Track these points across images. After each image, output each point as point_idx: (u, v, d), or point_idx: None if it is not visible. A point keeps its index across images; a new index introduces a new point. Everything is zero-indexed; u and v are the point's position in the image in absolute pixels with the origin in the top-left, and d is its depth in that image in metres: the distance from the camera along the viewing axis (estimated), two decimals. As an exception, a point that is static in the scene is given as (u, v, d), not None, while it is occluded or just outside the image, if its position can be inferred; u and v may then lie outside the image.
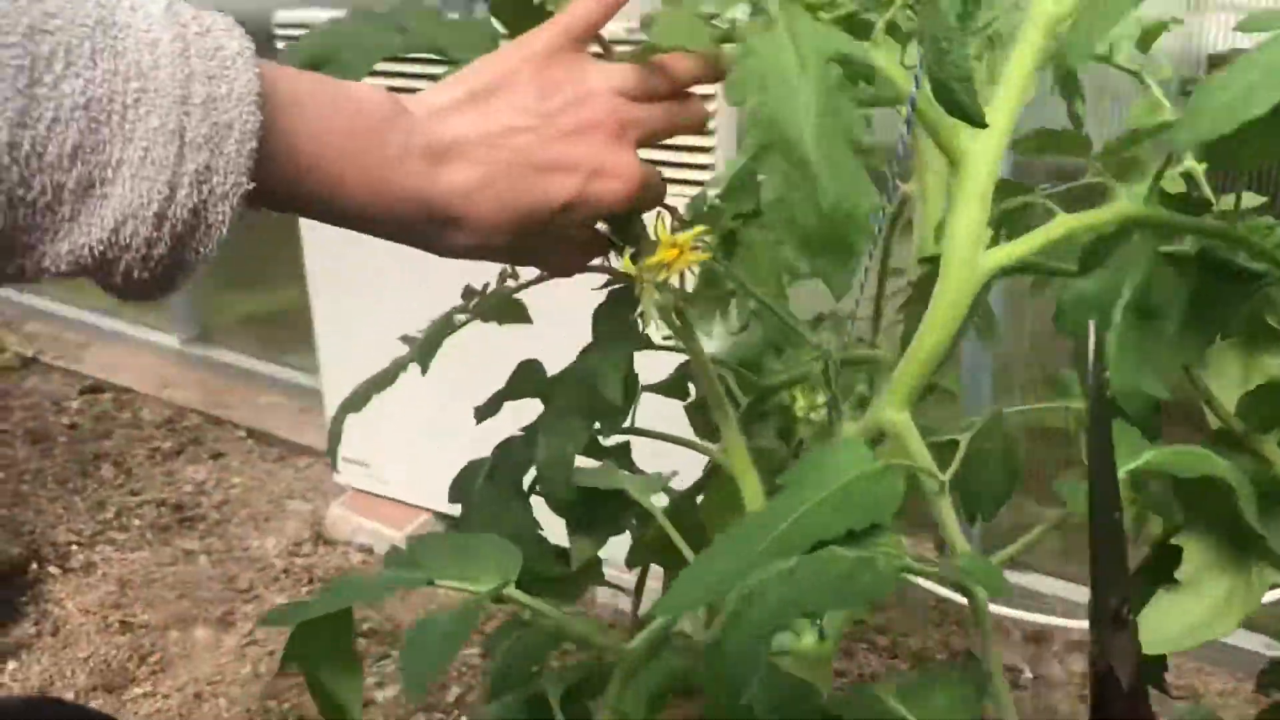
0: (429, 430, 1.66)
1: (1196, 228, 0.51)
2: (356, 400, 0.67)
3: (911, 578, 0.46)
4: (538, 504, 0.72)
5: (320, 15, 1.55)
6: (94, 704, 1.47)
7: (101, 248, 0.37)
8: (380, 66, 0.55)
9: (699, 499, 0.82)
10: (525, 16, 0.54)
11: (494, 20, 0.58)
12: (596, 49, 0.52)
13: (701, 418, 0.79)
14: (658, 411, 0.75)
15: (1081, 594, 1.44)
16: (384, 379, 0.67)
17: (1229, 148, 0.37)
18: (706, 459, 0.72)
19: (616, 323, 0.58)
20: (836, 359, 0.59)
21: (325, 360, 1.79)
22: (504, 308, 0.67)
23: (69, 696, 1.47)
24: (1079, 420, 0.71)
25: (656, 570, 0.84)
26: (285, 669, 0.59)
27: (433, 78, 0.51)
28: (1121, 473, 0.50)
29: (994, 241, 0.50)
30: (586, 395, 0.61)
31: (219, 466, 2.04)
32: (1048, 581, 1.51)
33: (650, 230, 0.53)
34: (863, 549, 0.42)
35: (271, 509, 1.91)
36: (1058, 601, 1.48)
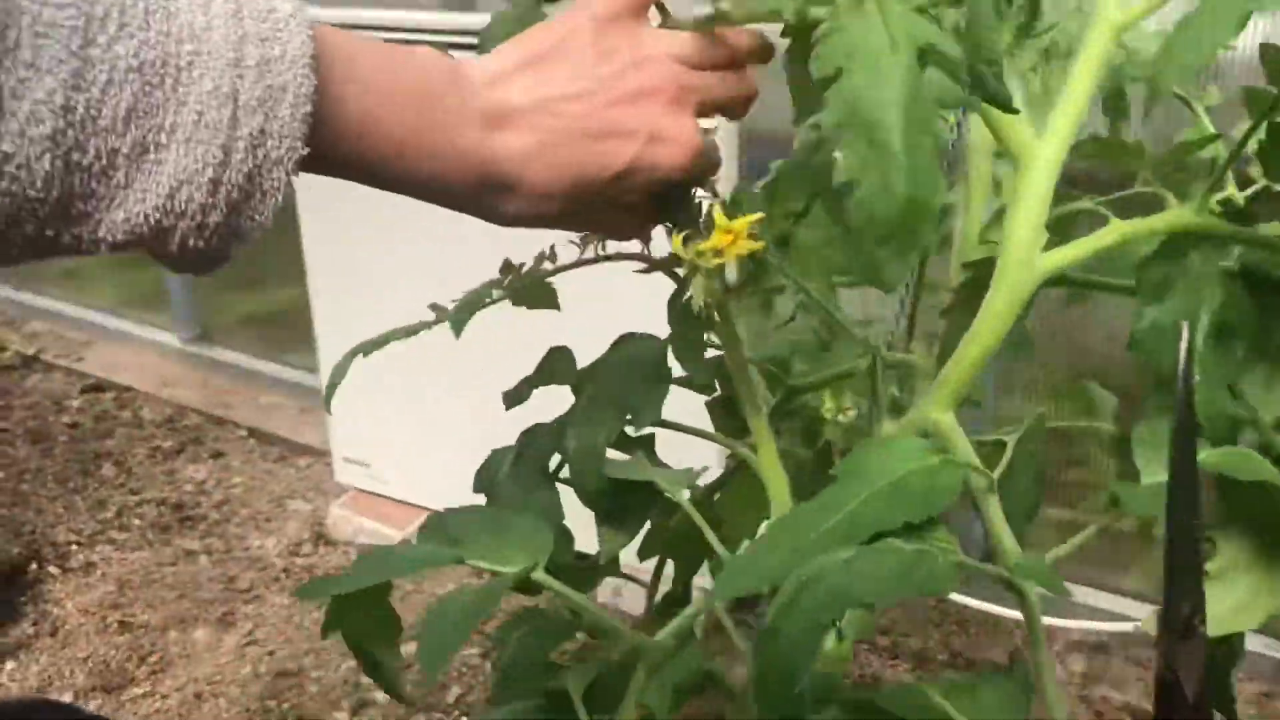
0: (430, 431, 1.66)
1: (1252, 239, 0.51)
2: (369, 346, 0.67)
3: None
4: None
5: (322, 14, 1.54)
6: (93, 704, 1.45)
7: (158, 215, 0.36)
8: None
9: (716, 496, 0.82)
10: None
11: None
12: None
13: (723, 413, 0.78)
14: (667, 406, 0.75)
15: (1081, 594, 1.44)
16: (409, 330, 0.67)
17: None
18: (719, 455, 0.72)
19: (689, 306, 0.57)
20: (884, 356, 0.59)
21: (326, 360, 1.78)
22: (534, 292, 0.66)
23: (68, 697, 1.46)
24: (1105, 442, 0.70)
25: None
26: (326, 635, 0.61)
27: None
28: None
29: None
30: (620, 386, 0.60)
31: (219, 466, 2.02)
32: (1047, 582, 1.51)
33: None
34: (920, 542, 0.42)
35: (272, 509, 1.90)
36: (1058, 602, 1.48)
